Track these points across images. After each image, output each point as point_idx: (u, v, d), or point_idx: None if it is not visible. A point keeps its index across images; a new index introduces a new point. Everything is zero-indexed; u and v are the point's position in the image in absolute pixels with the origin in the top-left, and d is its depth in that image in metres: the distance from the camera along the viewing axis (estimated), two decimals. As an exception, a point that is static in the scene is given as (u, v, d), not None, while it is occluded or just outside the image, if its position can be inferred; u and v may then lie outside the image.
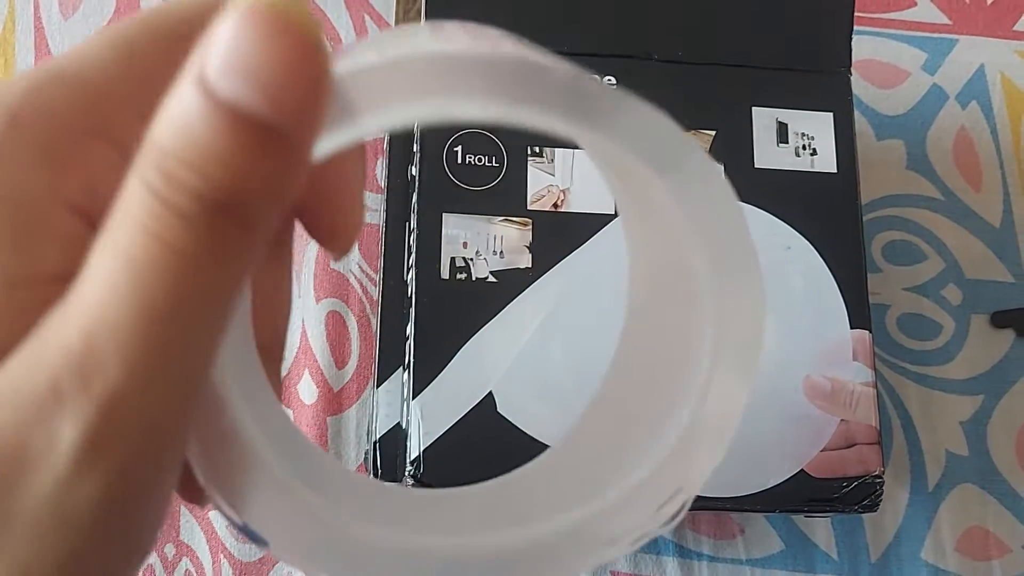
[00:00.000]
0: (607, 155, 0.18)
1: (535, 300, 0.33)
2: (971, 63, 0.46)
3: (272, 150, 0.11)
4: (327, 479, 0.17)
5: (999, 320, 0.43)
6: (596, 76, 0.15)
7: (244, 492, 0.14)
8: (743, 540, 0.39)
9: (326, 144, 0.13)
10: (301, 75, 0.11)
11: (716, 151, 0.35)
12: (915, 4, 0.47)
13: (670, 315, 0.18)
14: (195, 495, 0.15)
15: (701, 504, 0.33)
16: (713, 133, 0.36)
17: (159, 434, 0.12)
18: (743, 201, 0.35)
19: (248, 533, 0.15)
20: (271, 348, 0.18)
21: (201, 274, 0.11)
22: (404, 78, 0.13)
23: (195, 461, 0.14)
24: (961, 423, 0.41)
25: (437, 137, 0.35)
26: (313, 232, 0.18)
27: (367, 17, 0.44)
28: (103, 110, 0.13)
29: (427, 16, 0.36)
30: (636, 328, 0.21)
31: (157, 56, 0.14)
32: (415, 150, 0.35)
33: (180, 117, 0.11)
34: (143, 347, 0.11)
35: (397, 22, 0.40)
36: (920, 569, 0.39)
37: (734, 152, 0.36)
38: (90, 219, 0.13)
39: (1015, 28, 0.47)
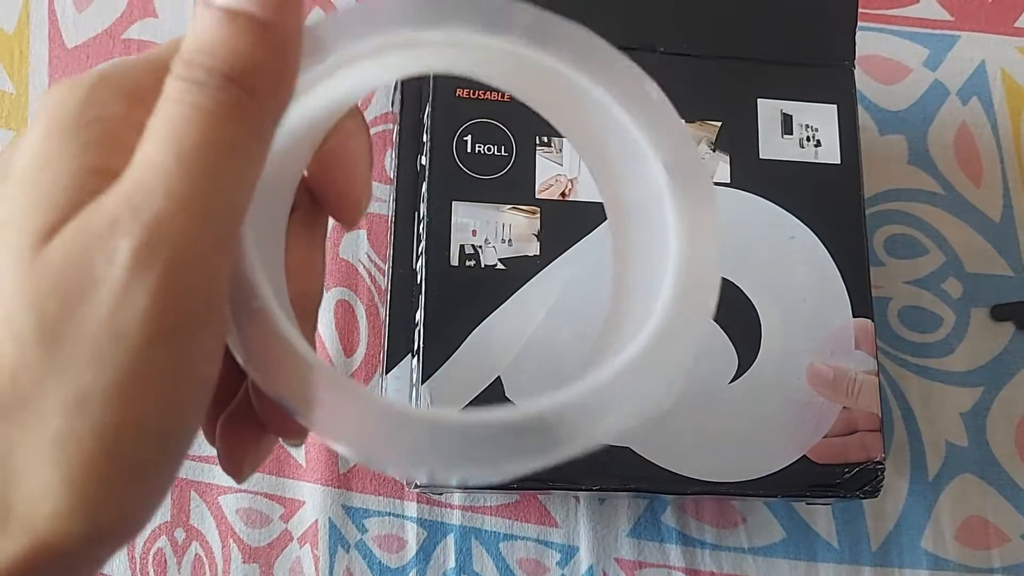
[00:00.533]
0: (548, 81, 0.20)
1: (543, 287, 0.34)
2: (972, 59, 0.47)
3: (261, 35, 0.16)
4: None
5: (999, 313, 0.43)
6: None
7: (281, 373, 0.16)
8: (745, 528, 0.40)
9: (309, 77, 0.17)
10: None
11: (722, 142, 0.36)
12: (917, 1, 0.48)
13: (641, 229, 0.20)
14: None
15: (703, 489, 0.33)
16: (719, 124, 0.36)
17: (198, 254, 0.15)
18: (749, 191, 0.36)
19: (285, 405, 0.16)
20: (303, 303, 0.20)
21: (219, 125, 0.15)
22: (368, 15, 0.17)
23: (233, 344, 0.16)
24: (961, 414, 0.42)
25: (447, 127, 0.35)
26: (327, 202, 0.21)
27: None
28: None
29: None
30: (619, 251, 0.22)
31: None
32: (425, 140, 0.36)
33: (194, 28, 0.16)
34: (179, 179, 0.15)
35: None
36: (920, 557, 0.40)
37: (739, 143, 0.36)
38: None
39: (1016, 24, 0.48)
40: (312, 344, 0.19)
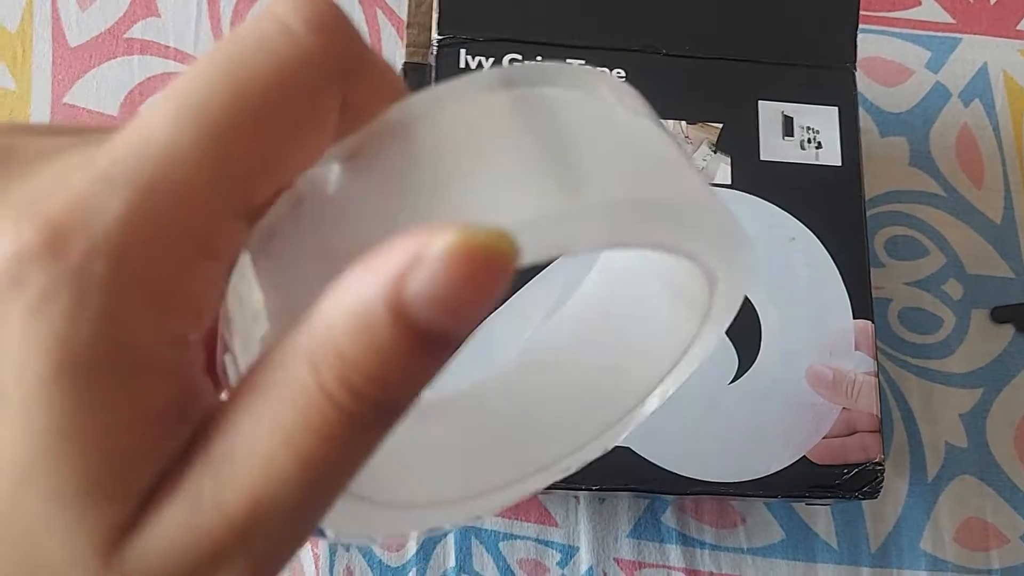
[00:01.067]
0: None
1: (543, 289, 0.34)
2: (974, 61, 0.47)
3: (443, 355, 0.12)
4: None
5: (999, 315, 0.43)
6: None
7: None
8: (744, 529, 0.40)
9: None
10: (489, 298, 0.12)
11: (723, 144, 0.36)
12: (919, 3, 0.48)
13: None
14: None
15: (703, 489, 0.34)
16: (720, 126, 0.36)
17: (282, 561, 0.13)
18: (749, 193, 0.36)
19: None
20: None
21: (350, 455, 0.13)
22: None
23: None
24: (961, 416, 0.42)
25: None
26: None
27: (379, 12, 0.45)
28: (203, 220, 0.13)
29: (439, 11, 0.36)
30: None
31: (248, 140, 0.13)
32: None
33: (370, 336, 0.12)
34: (299, 515, 0.12)
35: (409, 17, 0.41)
36: (919, 559, 0.40)
37: (740, 144, 0.36)
38: (190, 343, 0.13)
39: (1018, 27, 0.48)
40: None
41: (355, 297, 0.12)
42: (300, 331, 0.12)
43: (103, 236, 0.12)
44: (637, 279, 0.20)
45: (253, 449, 0.12)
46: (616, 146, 0.14)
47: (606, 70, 0.16)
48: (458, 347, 0.12)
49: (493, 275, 0.11)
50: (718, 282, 0.16)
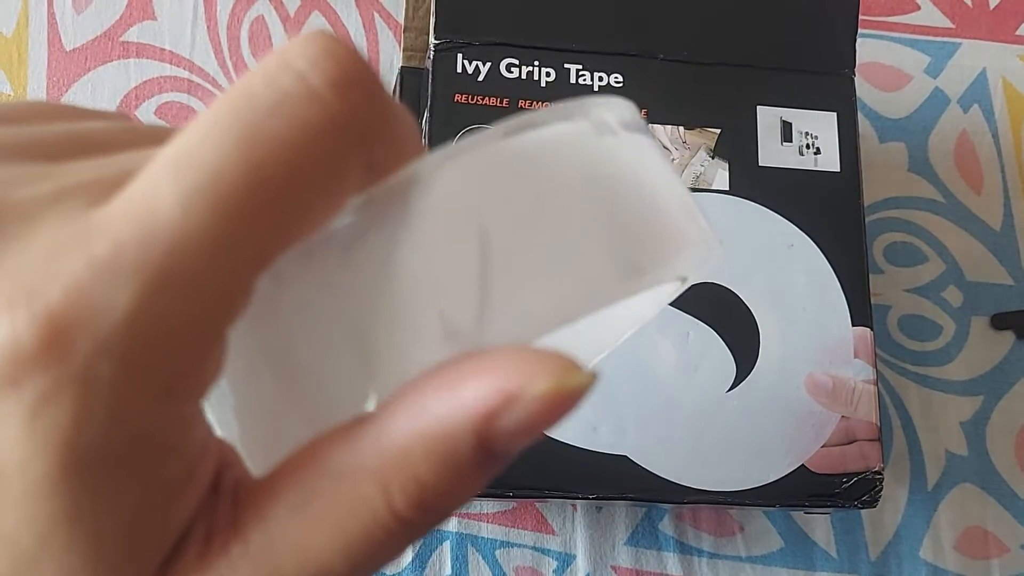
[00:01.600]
0: None
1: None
2: (973, 67, 0.47)
3: (500, 467, 0.13)
4: None
5: (999, 322, 0.43)
6: None
7: None
8: (743, 537, 0.39)
9: None
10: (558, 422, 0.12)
11: (721, 149, 0.36)
12: (918, 8, 0.48)
13: None
14: None
15: (701, 498, 0.33)
16: (718, 131, 0.36)
17: None
18: (747, 199, 0.36)
19: None
20: None
21: (393, 553, 0.13)
22: None
23: None
24: (961, 423, 0.42)
25: (445, 132, 0.35)
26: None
27: (376, 15, 0.45)
28: (216, 310, 0.12)
29: (436, 15, 0.36)
30: None
31: (266, 221, 0.12)
32: (424, 144, 0.35)
33: (453, 466, 0.12)
34: None
35: (406, 21, 0.41)
36: (919, 568, 0.39)
37: (738, 150, 0.36)
38: (199, 416, 0.13)
39: (1017, 32, 0.48)
40: None
41: (438, 426, 0.12)
42: (366, 449, 0.12)
43: (109, 336, 0.11)
44: None
45: (300, 544, 0.12)
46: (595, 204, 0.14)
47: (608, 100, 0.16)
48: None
49: (570, 406, 0.12)
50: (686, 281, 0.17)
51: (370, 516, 0.12)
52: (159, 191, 0.11)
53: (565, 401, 0.12)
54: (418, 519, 0.12)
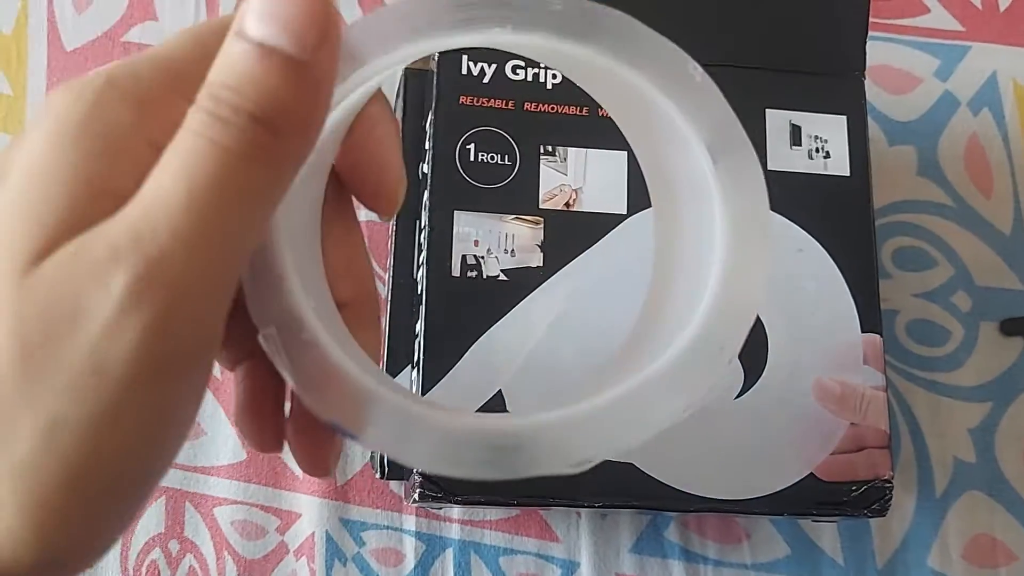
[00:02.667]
0: (613, 79, 0.19)
1: (546, 299, 0.33)
2: (983, 70, 0.46)
3: (294, 76, 0.15)
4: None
5: (1008, 328, 0.42)
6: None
7: (333, 400, 0.17)
8: (749, 545, 0.39)
9: (341, 89, 0.17)
10: (315, 19, 0.15)
11: (729, 153, 0.35)
12: (928, 11, 0.47)
13: (687, 214, 0.20)
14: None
15: (708, 506, 0.33)
16: (726, 135, 0.35)
17: (196, 295, 0.14)
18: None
19: (338, 429, 0.17)
20: (357, 304, 0.20)
21: (238, 166, 0.15)
22: (399, 20, 0.17)
23: (284, 372, 0.17)
24: (969, 430, 0.41)
25: (449, 135, 0.34)
26: (359, 196, 0.20)
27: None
28: (181, 79, 0.16)
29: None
30: (663, 235, 0.22)
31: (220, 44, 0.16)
32: (427, 148, 0.35)
33: (225, 58, 0.15)
34: (187, 216, 0.14)
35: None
36: (927, 576, 0.39)
37: (747, 154, 0.35)
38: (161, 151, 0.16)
39: (1028, 36, 0.47)
40: (377, 351, 0.20)
41: (222, 49, 0.15)
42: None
43: (106, 69, 0.16)
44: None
45: (155, 174, 0.15)
46: None
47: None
48: (313, 73, 0.15)
49: None
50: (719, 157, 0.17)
51: (185, 130, 0.15)
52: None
53: None
54: (222, 112, 0.15)
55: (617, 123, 0.22)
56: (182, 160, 0.14)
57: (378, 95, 0.20)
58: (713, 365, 0.17)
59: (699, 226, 0.19)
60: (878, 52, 0.46)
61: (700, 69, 0.19)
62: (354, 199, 0.21)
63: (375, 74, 0.18)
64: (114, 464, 0.14)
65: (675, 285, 0.20)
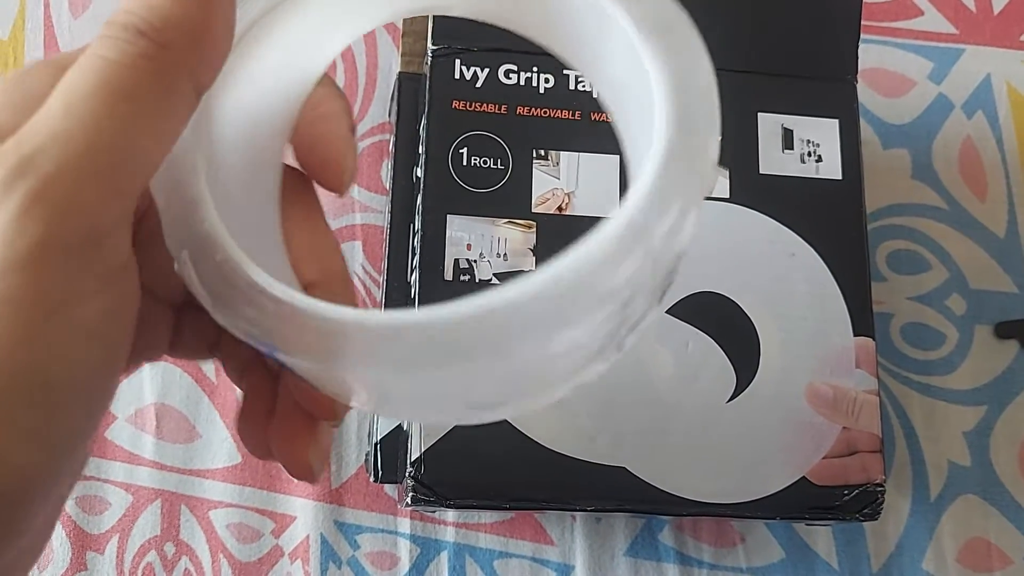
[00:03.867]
0: None
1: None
2: (977, 72, 0.46)
3: None
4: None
5: (1003, 331, 0.42)
6: None
7: (242, 309, 0.16)
8: (744, 548, 0.39)
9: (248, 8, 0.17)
10: None
11: (721, 157, 0.35)
12: (922, 13, 0.47)
13: (632, 106, 0.19)
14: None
15: (701, 511, 0.33)
16: (718, 139, 0.36)
17: (72, 186, 0.15)
18: (748, 207, 0.36)
19: (257, 346, 0.16)
20: (327, 283, 0.20)
21: (119, 73, 0.15)
22: None
23: (201, 298, 0.17)
24: (964, 433, 0.41)
25: (442, 139, 0.35)
26: (311, 171, 0.20)
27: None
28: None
29: (435, 20, 0.36)
30: (622, 135, 0.21)
31: None
32: (420, 152, 0.35)
33: None
34: (65, 120, 0.15)
35: (405, 25, 0.41)
36: (921, 579, 0.39)
37: (739, 158, 0.36)
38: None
39: (1022, 38, 0.47)
40: None
41: None
42: None
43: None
44: None
45: (48, 98, 0.15)
46: None
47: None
48: None
49: None
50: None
51: (82, 58, 0.15)
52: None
53: None
54: (112, 30, 0.15)
55: (552, 51, 0.21)
56: (70, 75, 0.15)
57: (325, 79, 0.20)
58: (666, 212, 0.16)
59: (644, 113, 0.18)
60: (872, 55, 0.46)
61: None
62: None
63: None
64: (10, 361, 0.14)
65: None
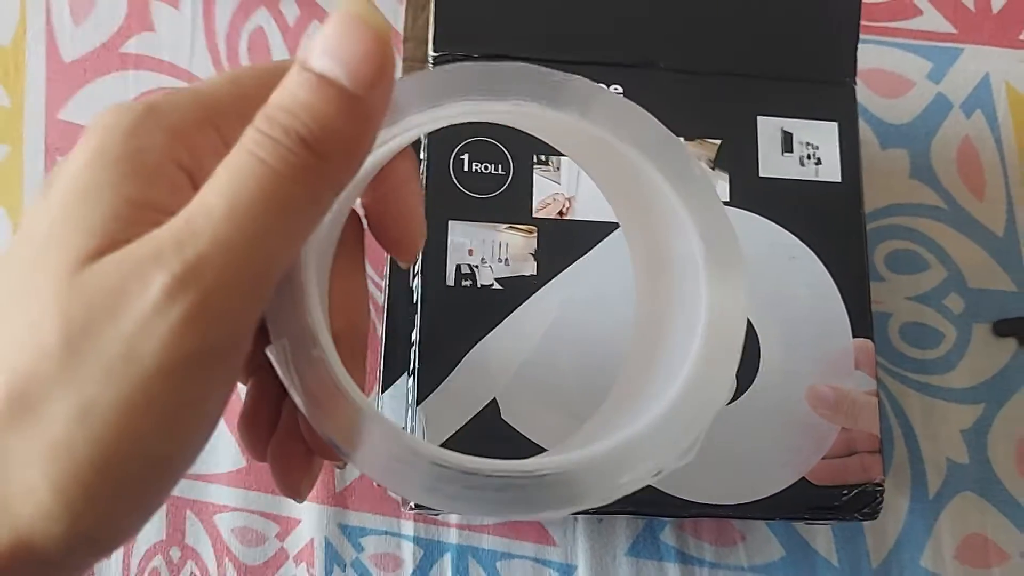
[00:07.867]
0: (604, 150, 0.21)
1: (540, 307, 0.34)
2: (976, 72, 0.47)
3: (347, 108, 0.16)
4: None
5: (1001, 329, 0.43)
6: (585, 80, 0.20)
7: (334, 418, 0.18)
8: (744, 547, 0.39)
9: (382, 135, 0.18)
10: (374, 60, 0.16)
11: (721, 160, 0.36)
12: (921, 13, 0.48)
13: (672, 292, 0.22)
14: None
15: (702, 512, 0.33)
16: (719, 142, 0.36)
17: (228, 299, 0.15)
18: (748, 210, 0.36)
19: (334, 446, 0.18)
20: (349, 337, 0.21)
21: (281, 185, 0.15)
22: (440, 83, 0.19)
23: (290, 385, 0.18)
24: (962, 431, 0.41)
25: (444, 145, 0.35)
26: (381, 240, 0.22)
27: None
28: (216, 112, 0.18)
29: (435, 26, 0.36)
30: (645, 306, 0.24)
31: (256, 87, 0.18)
32: (422, 157, 0.35)
33: (285, 85, 0.16)
34: (227, 227, 0.15)
35: (405, 31, 0.41)
36: (920, 576, 0.39)
37: (739, 161, 0.36)
38: (193, 179, 0.17)
39: (1021, 37, 0.48)
40: (362, 381, 0.20)
41: (284, 79, 0.16)
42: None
43: (150, 98, 0.17)
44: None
45: (204, 188, 0.16)
46: None
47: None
48: (364, 106, 0.16)
49: (368, 36, 0.16)
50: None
51: (236, 152, 0.16)
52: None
53: (355, 20, 0.16)
54: (273, 131, 0.16)
55: (610, 203, 0.25)
56: (230, 174, 0.16)
57: (408, 152, 0.21)
58: (681, 436, 0.19)
59: (682, 305, 0.21)
60: (870, 55, 0.46)
61: (700, 166, 0.21)
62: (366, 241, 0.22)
63: (410, 128, 0.19)
64: (141, 448, 0.15)
65: (656, 359, 0.22)
